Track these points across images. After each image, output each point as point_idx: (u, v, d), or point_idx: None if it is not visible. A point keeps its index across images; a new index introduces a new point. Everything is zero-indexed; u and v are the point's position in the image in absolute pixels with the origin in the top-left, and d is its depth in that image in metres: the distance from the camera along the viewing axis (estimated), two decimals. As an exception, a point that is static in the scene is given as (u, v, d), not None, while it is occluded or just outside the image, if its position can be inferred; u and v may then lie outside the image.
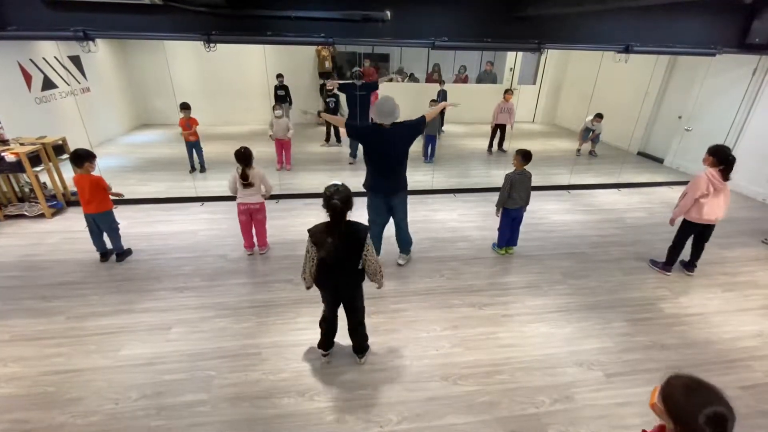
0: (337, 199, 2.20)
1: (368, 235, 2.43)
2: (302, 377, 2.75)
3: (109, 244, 4.12)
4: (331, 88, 7.46)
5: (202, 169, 6.75)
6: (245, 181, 3.85)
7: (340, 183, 2.30)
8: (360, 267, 2.49)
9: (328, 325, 2.78)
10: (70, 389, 2.62)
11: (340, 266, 2.44)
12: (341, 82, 7.26)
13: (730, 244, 4.75)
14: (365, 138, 3.64)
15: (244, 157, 3.82)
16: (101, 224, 3.96)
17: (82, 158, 3.70)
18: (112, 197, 3.95)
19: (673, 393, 1.23)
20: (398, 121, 3.54)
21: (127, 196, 5.38)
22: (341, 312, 2.75)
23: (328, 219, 2.34)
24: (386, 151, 3.57)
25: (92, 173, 3.81)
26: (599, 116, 7.88)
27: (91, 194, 3.78)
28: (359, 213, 5.01)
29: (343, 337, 3.07)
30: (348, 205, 2.27)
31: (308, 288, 2.60)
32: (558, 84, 11.26)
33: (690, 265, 4.12)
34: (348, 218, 2.34)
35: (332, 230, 2.31)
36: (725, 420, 1.14)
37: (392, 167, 3.67)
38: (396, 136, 3.54)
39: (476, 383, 2.74)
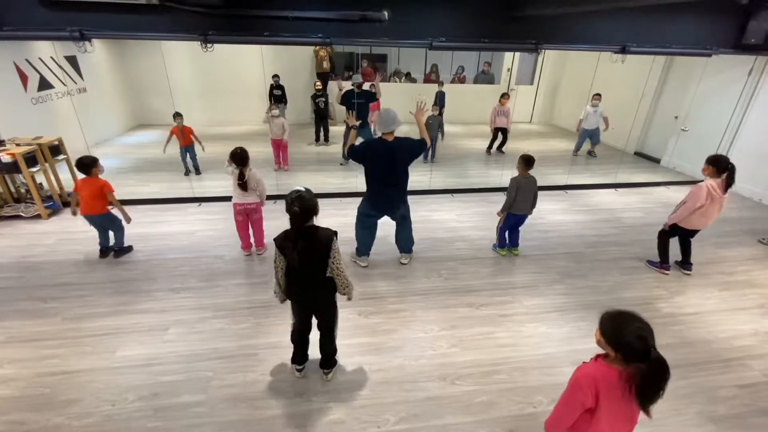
0: (297, 205, 2.15)
1: (335, 240, 2.31)
2: (299, 378, 2.75)
3: (112, 240, 4.17)
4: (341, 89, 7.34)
5: (197, 172, 6.73)
6: (241, 181, 3.84)
7: (303, 188, 2.24)
8: (329, 275, 2.38)
9: (299, 337, 2.66)
10: (66, 391, 2.60)
11: (307, 274, 2.34)
12: (345, 89, 7.20)
13: (726, 243, 4.77)
14: (369, 151, 3.61)
15: (240, 158, 3.81)
16: (107, 225, 4.03)
17: (88, 166, 3.77)
18: (110, 207, 3.99)
19: (605, 323, 1.56)
20: (400, 136, 3.60)
21: (124, 197, 5.39)
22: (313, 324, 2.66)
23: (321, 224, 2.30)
24: (390, 163, 3.59)
25: (100, 176, 3.87)
26: (598, 95, 7.63)
27: (92, 198, 3.82)
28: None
29: (340, 337, 3.07)
30: (309, 209, 2.19)
31: (282, 302, 2.51)
32: (555, 84, 11.30)
33: (685, 264, 4.14)
34: (313, 223, 2.28)
35: (295, 236, 2.23)
36: (645, 334, 1.45)
37: (395, 182, 3.69)
38: (399, 149, 3.58)
39: (474, 383, 2.75)
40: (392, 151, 3.55)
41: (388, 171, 3.61)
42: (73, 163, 3.87)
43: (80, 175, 3.86)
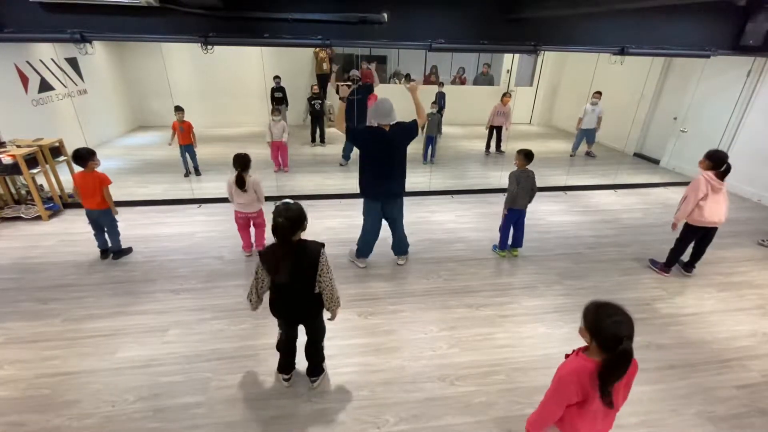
0: (283, 218, 2.10)
1: (323, 254, 2.28)
2: (299, 379, 2.75)
3: (109, 242, 4.16)
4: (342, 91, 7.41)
5: (197, 173, 6.74)
6: (241, 186, 3.81)
7: (291, 201, 2.19)
8: (317, 291, 2.33)
9: (286, 346, 2.61)
10: (66, 392, 2.61)
11: (294, 290, 2.30)
12: (340, 84, 7.28)
13: (725, 244, 4.77)
14: (366, 138, 3.58)
15: (242, 162, 3.79)
16: (102, 221, 4.00)
17: (84, 158, 3.75)
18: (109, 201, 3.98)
19: (589, 311, 1.61)
20: (395, 122, 3.56)
21: (124, 198, 5.41)
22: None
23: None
24: (388, 152, 3.56)
25: (96, 170, 3.85)
26: (598, 93, 7.64)
27: (96, 192, 3.83)
28: (351, 214, 5.03)
29: (340, 337, 3.08)
30: (296, 224, 2.15)
31: (254, 310, 2.45)
32: (555, 86, 11.31)
33: (689, 266, 4.13)
34: (301, 237, 2.24)
35: (280, 250, 2.19)
36: (623, 326, 1.50)
37: (392, 170, 3.65)
38: (396, 137, 3.55)
39: (473, 384, 2.75)
40: (390, 139, 3.52)
41: (385, 156, 3.57)
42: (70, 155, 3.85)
43: (77, 169, 3.85)
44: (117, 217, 4.10)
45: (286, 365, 2.68)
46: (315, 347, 2.65)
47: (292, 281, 2.26)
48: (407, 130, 3.60)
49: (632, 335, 1.50)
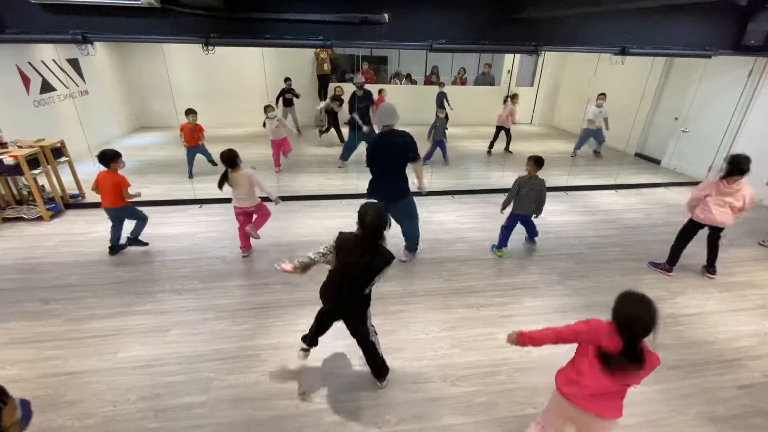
0: (371, 215, 2.21)
1: (389, 266, 2.29)
2: (301, 379, 2.76)
3: (122, 240, 4.27)
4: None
5: (213, 164, 6.71)
6: (221, 185, 3.86)
7: (375, 202, 2.30)
8: (366, 291, 2.37)
9: (320, 318, 2.63)
10: (68, 392, 2.62)
11: (350, 285, 2.32)
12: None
13: (726, 244, 4.76)
14: (373, 150, 3.82)
15: (228, 159, 3.81)
16: (123, 216, 4.16)
17: (109, 159, 3.91)
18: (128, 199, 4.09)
19: (620, 297, 1.76)
20: (398, 130, 3.76)
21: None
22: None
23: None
24: (387, 155, 3.76)
25: (119, 172, 4.01)
26: (603, 95, 7.62)
27: (113, 192, 3.96)
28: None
29: (341, 338, 3.08)
30: (382, 223, 2.24)
31: (301, 272, 2.39)
32: (556, 86, 11.31)
33: (710, 268, 4.11)
34: (381, 240, 2.28)
35: (360, 244, 2.26)
36: (638, 319, 1.65)
37: (392, 170, 3.80)
38: (397, 140, 3.73)
39: (474, 384, 2.75)
40: (389, 146, 3.74)
41: (385, 160, 3.78)
42: (95, 156, 3.96)
43: (100, 167, 3.96)
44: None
45: (311, 338, 2.69)
46: (367, 351, 2.60)
47: (355, 276, 2.29)
48: (410, 153, 3.78)
49: (648, 326, 1.63)
